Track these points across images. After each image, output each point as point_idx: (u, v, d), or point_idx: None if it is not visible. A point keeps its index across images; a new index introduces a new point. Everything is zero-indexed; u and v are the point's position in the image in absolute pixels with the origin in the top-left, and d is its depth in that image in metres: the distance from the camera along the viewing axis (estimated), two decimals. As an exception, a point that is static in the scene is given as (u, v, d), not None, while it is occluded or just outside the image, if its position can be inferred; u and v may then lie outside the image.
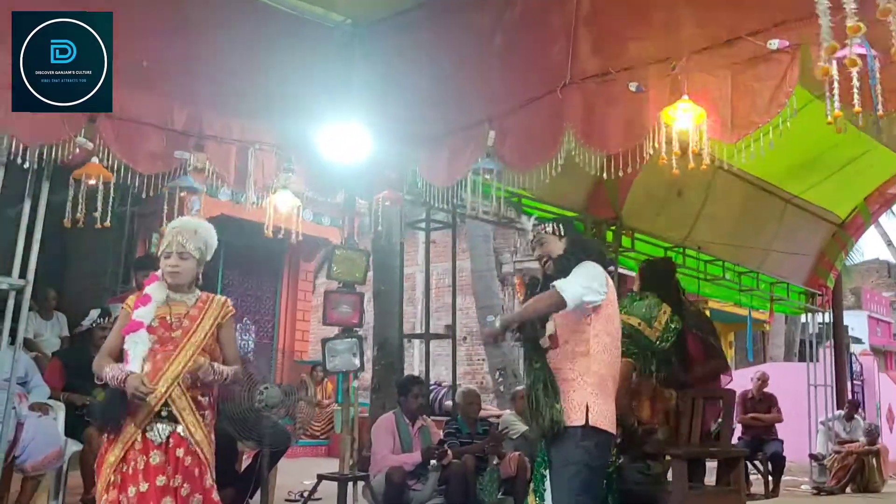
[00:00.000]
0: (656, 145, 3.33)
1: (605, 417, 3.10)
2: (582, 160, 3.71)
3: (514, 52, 4.11)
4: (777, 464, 8.05)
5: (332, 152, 4.66)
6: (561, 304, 3.09)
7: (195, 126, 4.36)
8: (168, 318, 3.07)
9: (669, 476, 4.24)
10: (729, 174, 6.66)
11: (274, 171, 4.65)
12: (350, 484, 4.82)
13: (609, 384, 3.18)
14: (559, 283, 3.12)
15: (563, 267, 3.24)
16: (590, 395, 3.09)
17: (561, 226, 3.44)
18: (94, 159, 3.97)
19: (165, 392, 2.94)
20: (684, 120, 3.29)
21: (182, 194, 4.42)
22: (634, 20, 3.60)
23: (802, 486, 9.07)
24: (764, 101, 3.14)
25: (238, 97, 4.47)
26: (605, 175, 3.80)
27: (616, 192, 6.67)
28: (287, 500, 5.46)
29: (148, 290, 3.13)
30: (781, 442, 8.17)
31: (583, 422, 3.06)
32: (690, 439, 4.22)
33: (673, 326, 4.20)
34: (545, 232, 3.42)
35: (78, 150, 3.87)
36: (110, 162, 4.06)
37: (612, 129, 3.59)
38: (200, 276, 3.19)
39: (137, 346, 2.98)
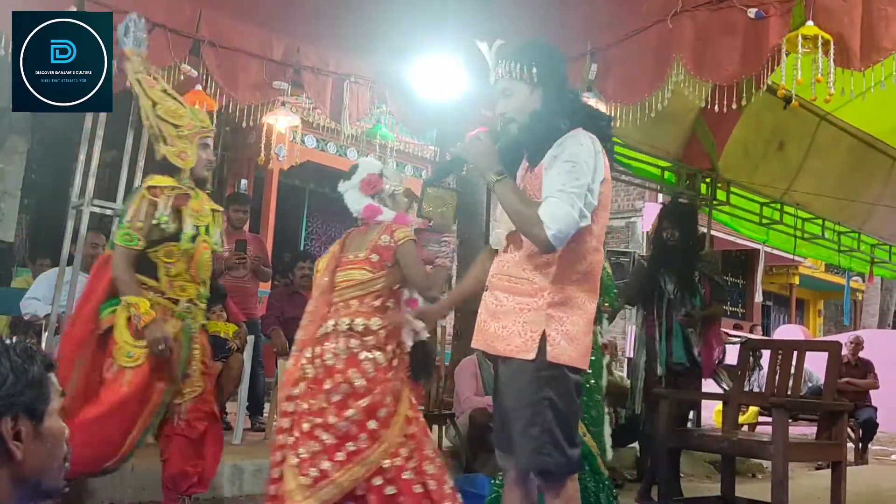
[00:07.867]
0: (777, 76, 3.15)
1: None
2: (691, 92, 3.54)
3: (620, -19, 3.95)
4: (868, 430, 7.77)
5: (426, 88, 4.59)
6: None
7: (292, 57, 4.39)
8: None
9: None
10: (834, 127, 6.33)
11: (368, 105, 4.64)
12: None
13: None
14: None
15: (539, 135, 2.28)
16: None
17: (534, 66, 2.28)
18: (198, 86, 4.02)
19: None
20: (808, 47, 3.11)
21: (280, 128, 4.44)
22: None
23: (893, 457, 8.72)
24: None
25: (334, 29, 4.44)
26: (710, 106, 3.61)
27: (713, 142, 6.41)
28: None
29: None
30: (875, 409, 7.83)
31: None
32: (791, 391, 4.05)
33: None
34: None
35: (182, 77, 3.93)
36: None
37: (726, 58, 3.41)
38: None
39: None
